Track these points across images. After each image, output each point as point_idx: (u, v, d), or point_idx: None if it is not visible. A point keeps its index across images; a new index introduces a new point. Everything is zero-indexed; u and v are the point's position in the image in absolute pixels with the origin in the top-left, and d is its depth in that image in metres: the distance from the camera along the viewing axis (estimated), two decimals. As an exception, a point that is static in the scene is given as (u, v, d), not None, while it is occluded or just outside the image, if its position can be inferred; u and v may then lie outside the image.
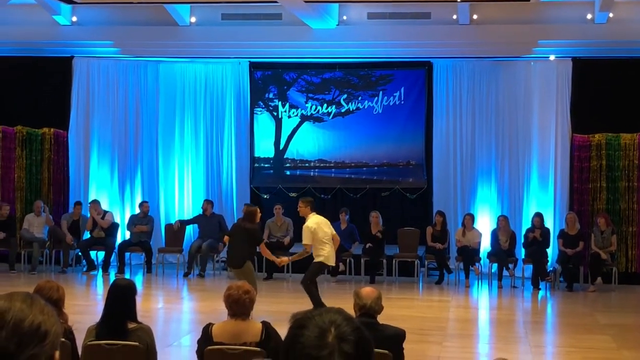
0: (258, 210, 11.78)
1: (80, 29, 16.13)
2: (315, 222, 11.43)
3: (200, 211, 16.35)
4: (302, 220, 11.68)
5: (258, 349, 5.34)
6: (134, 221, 16.16)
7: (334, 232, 11.79)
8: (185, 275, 15.46)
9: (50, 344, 1.87)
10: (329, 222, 11.76)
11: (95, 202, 16.04)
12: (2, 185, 16.63)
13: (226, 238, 11.96)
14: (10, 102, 16.57)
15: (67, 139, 16.66)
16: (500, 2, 14.79)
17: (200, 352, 5.51)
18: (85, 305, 11.92)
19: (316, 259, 11.49)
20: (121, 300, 5.45)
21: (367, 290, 5.62)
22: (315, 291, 11.51)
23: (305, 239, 11.37)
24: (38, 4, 15.02)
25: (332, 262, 11.69)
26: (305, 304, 11.60)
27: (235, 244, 11.39)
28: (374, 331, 5.47)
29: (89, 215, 16.14)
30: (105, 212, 16.11)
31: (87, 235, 16.01)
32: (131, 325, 5.47)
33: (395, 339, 5.57)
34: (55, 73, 16.49)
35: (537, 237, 14.82)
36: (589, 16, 14.75)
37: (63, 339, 5.37)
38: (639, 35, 14.66)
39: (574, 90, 15.52)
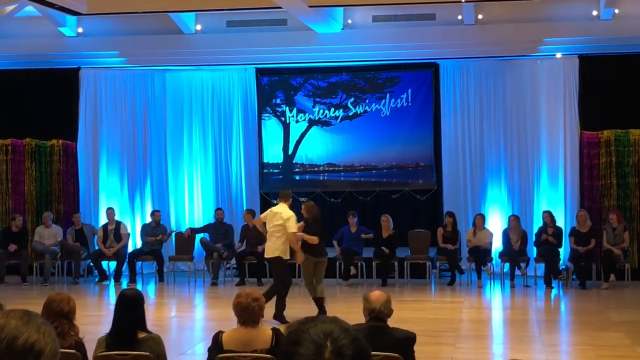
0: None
1: (86, 40, 16.19)
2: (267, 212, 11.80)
3: (212, 219, 16.40)
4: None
5: (269, 355, 5.33)
6: (146, 230, 16.19)
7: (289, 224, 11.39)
8: (213, 284, 15.48)
9: None
10: (281, 213, 11.46)
11: (111, 210, 16.11)
12: (13, 198, 16.70)
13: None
14: (19, 115, 16.63)
15: (76, 150, 16.70)
16: (505, 2, 14.75)
17: (211, 360, 5.51)
18: (98, 316, 11.96)
19: None
20: (129, 311, 5.46)
21: (376, 294, 5.61)
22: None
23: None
24: (43, 17, 15.07)
25: (267, 253, 11.61)
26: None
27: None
28: (384, 335, 5.47)
29: (98, 226, 16.24)
30: (118, 222, 16.14)
31: (97, 246, 16.06)
32: (141, 335, 5.47)
33: (405, 342, 5.55)
34: (62, 85, 16.53)
35: (550, 240, 14.76)
36: (595, 13, 14.73)
37: (74, 351, 5.38)
38: (645, 30, 14.63)
39: (581, 88, 15.47)
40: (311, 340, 1.81)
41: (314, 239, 11.47)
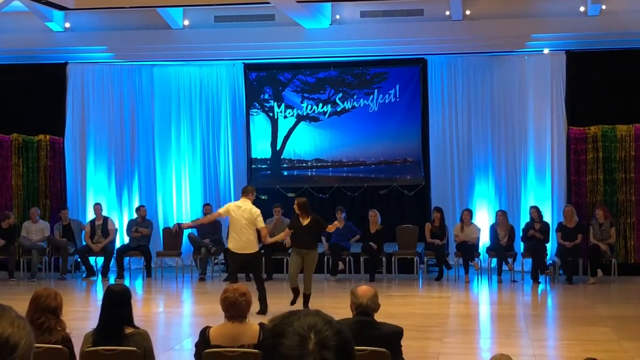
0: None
1: (73, 35, 16.13)
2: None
3: (200, 214, 16.36)
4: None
5: (256, 350, 5.34)
6: (132, 225, 16.16)
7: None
8: (201, 279, 15.48)
9: (20, 356, 1.84)
10: (250, 209, 11.60)
11: (98, 205, 16.07)
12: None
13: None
14: (5, 110, 16.57)
15: (63, 146, 16.66)
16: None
17: (198, 356, 5.51)
18: (85, 312, 11.94)
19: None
20: (116, 306, 5.45)
21: (363, 289, 5.62)
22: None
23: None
24: (30, 11, 15.01)
25: (248, 248, 11.63)
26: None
27: None
28: (371, 330, 5.48)
29: (86, 222, 16.20)
30: (105, 217, 16.11)
31: (84, 242, 16.03)
32: (128, 331, 5.47)
33: (392, 336, 5.57)
34: (49, 80, 16.48)
35: (537, 235, 14.82)
36: (582, 9, 14.76)
37: (60, 347, 5.38)
38: (632, 26, 14.67)
39: (568, 83, 15.51)
40: (295, 332, 1.82)
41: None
